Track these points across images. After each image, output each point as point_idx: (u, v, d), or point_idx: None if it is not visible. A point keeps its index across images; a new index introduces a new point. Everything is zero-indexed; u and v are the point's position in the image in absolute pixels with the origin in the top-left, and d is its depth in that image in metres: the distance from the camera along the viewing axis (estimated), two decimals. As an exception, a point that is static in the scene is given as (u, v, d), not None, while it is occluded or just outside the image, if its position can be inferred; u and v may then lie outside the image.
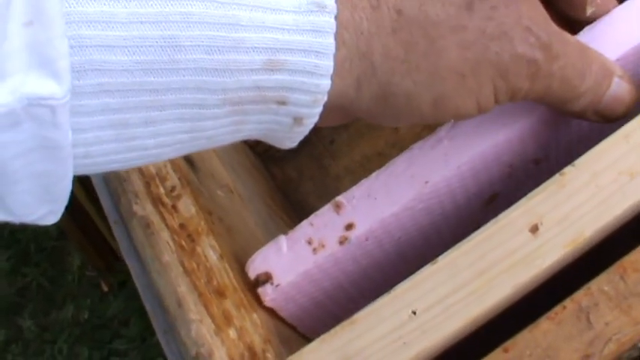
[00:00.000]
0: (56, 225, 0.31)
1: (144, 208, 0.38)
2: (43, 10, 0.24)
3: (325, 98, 0.30)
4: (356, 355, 0.32)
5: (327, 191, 0.67)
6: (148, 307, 0.39)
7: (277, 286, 0.36)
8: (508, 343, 0.31)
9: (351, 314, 0.33)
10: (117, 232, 0.41)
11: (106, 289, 1.39)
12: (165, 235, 0.37)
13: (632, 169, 0.32)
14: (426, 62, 0.31)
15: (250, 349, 0.35)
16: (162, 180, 0.39)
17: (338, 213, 0.36)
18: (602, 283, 0.31)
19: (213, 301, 0.36)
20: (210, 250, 0.37)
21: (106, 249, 1.32)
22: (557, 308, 0.31)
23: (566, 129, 0.37)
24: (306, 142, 0.33)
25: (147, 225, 0.38)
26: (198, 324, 0.35)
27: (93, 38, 0.26)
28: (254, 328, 0.36)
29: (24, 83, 0.24)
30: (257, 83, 0.29)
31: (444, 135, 0.36)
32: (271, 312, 0.37)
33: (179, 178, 0.40)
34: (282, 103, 0.30)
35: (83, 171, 0.29)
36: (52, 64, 0.25)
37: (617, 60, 0.35)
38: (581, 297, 0.31)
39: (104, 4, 0.26)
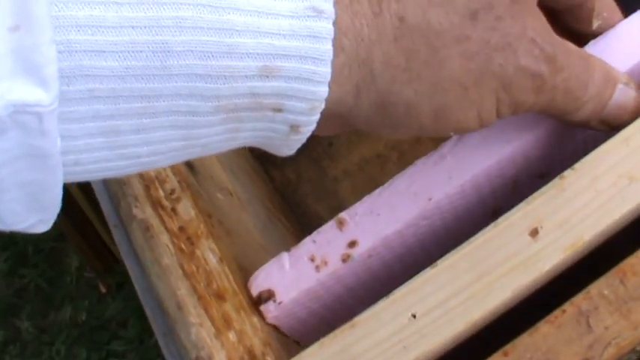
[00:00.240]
0: (54, 226, 0.31)
1: (143, 211, 0.38)
2: (30, 15, 0.23)
3: (322, 106, 0.30)
4: (356, 359, 0.32)
5: (325, 193, 0.67)
6: (147, 310, 0.39)
7: (280, 303, 0.36)
8: (508, 347, 0.31)
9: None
10: (117, 235, 0.41)
11: (104, 290, 1.38)
12: (164, 238, 0.37)
13: (632, 173, 0.32)
14: (427, 72, 0.30)
15: (250, 353, 0.35)
16: (162, 183, 0.39)
17: (341, 230, 0.36)
18: (601, 287, 0.31)
19: (213, 305, 0.36)
20: (209, 254, 0.37)
21: (104, 250, 1.32)
22: (557, 312, 0.31)
23: (571, 142, 0.37)
24: (304, 144, 0.33)
25: (146, 228, 0.38)
26: (198, 327, 0.35)
27: (82, 43, 0.25)
28: (254, 331, 0.36)
29: (9, 90, 0.23)
30: (252, 90, 0.28)
31: (447, 151, 0.36)
32: (274, 328, 0.37)
33: (178, 181, 0.40)
34: (278, 110, 0.29)
35: (74, 179, 0.29)
36: (39, 70, 0.24)
37: None
38: (580, 301, 0.31)
39: (94, 8, 0.25)
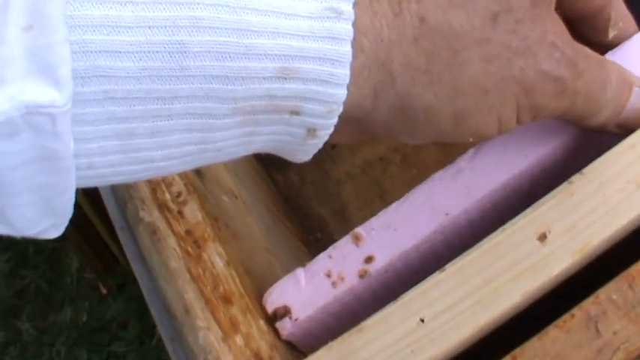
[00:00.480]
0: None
1: (150, 214, 0.38)
2: (43, 14, 0.23)
3: (341, 109, 0.29)
4: (363, 363, 0.32)
5: (328, 196, 0.67)
6: (154, 313, 0.39)
7: (296, 320, 0.36)
8: (517, 351, 0.31)
9: None
10: (123, 238, 0.41)
11: (104, 291, 1.38)
12: (171, 241, 0.37)
13: (639, 178, 0.33)
14: (448, 74, 0.30)
15: (257, 356, 0.35)
16: (168, 186, 0.39)
17: (357, 245, 0.36)
18: (610, 292, 0.31)
19: (220, 308, 0.35)
20: (216, 257, 0.37)
21: (105, 251, 1.32)
22: (566, 316, 0.31)
23: (586, 154, 0.37)
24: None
25: (153, 231, 0.38)
26: (206, 331, 0.35)
27: (98, 43, 0.25)
28: (260, 334, 0.36)
29: (22, 90, 0.23)
30: (269, 92, 0.28)
31: (465, 165, 0.36)
32: (288, 344, 0.37)
33: (185, 185, 0.40)
34: (296, 113, 0.29)
35: (87, 183, 0.28)
36: (53, 70, 0.23)
37: None
38: (589, 305, 0.31)
39: (110, 8, 0.25)
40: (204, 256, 0.37)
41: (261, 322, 0.36)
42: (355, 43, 0.28)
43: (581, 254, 0.32)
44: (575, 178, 0.33)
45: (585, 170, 0.33)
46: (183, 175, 0.40)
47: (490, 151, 0.35)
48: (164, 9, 0.25)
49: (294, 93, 0.28)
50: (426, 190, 0.36)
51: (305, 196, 0.67)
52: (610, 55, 0.35)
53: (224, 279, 0.37)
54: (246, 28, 0.27)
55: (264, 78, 0.27)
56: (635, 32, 0.36)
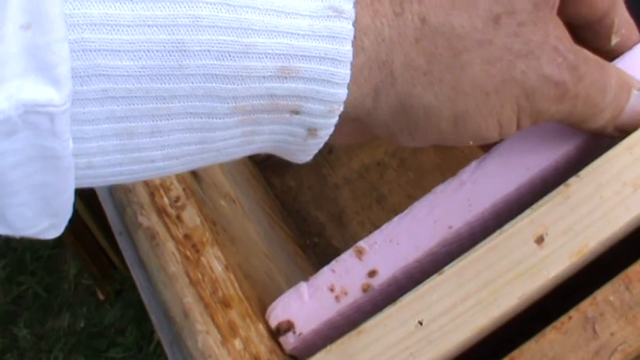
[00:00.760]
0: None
1: (149, 219, 0.38)
2: (42, 12, 0.23)
3: (341, 108, 0.29)
4: (363, 366, 0.32)
5: (325, 200, 0.67)
6: (153, 317, 0.39)
7: (299, 335, 0.36)
8: (514, 353, 0.31)
9: None
10: (122, 243, 0.41)
11: (102, 297, 1.38)
12: (170, 245, 0.37)
13: (636, 181, 0.33)
14: (449, 75, 0.29)
15: (256, 360, 0.35)
16: (167, 191, 0.39)
17: (360, 259, 0.36)
18: (607, 293, 0.31)
19: (219, 312, 0.36)
20: (215, 261, 0.37)
21: (102, 257, 1.32)
22: (563, 318, 0.31)
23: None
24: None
25: (152, 236, 0.38)
26: (205, 335, 0.35)
27: (97, 42, 0.24)
28: (259, 338, 0.36)
29: (21, 89, 0.23)
30: (269, 91, 0.28)
31: (467, 178, 0.36)
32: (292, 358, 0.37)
33: (183, 189, 0.40)
34: (296, 112, 0.28)
35: (86, 183, 0.28)
36: (51, 69, 0.23)
37: None
38: (586, 307, 0.31)
39: (109, 7, 0.24)
40: (203, 260, 0.37)
41: (260, 326, 0.36)
42: (356, 43, 0.28)
43: (578, 256, 0.32)
44: (572, 181, 0.33)
45: (582, 173, 0.33)
46: (181, 180, 0.40)
47: (492, 164, 0.35)
48: (164, 7, 0.25)
49: (294, 92, 0.28)
50: (428, 204, 0.36)
51: (302, 201, 0.67)
52: (614, 64, 0.35)
53: (223, 283, 0.37)
54: (246, 27, 0.26)
55: (264, 77, 0.27)
56: (638, 39, 0.35)
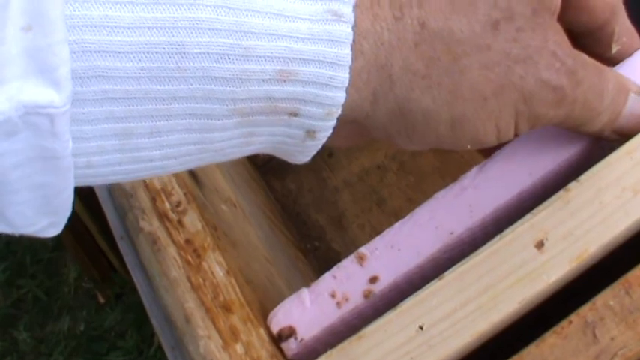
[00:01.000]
0: (52, 236, 0.30)
1: (150, 224, 0.38)
2: (43, 14, 0.23)
3: (340, 111, 0.29)
4: (364, 370, 0.33)
5: (325, 204, 0.67)
6: (154, 322, 0.39)
7: (301, 340, 0.36)
8: (514, 358, 0.32)
9: None
10: (123, 247, 0.41)
11: (102, 300, 1.38)
12: (171, 250, 0.37)
13: (636, 186, 0.33)
14: (447, 79, 0.30)
15: (257, 364, 0.35)
16: (168, 195, 0.40)
17: (361, 265, 0.36)
18: (607, 298, 0.32)
19: (220, 317, 0.36)
20: (216, 266, 0.37)
21: (103, 260, 1.32)
22: (564, 323, 0.31)
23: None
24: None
25: (153, 241, 0.38)
26: (206, 340, 0.35)
27: (97, 43, 0.25)
28: (261, 342, 0.36)
29: (21, 90, 0.23)
30: (268, 94, 0.28)
31: (469, 184, 0.36)
32: None
33: (184, 194, 0.40)
34: (294, 115, 0.29)
35: (86, 182, 0.28)
36: (52, 71, 0.24)
37: None
38: (586, 311, 0.32)
39: (109, 8, 0.25)
40: (204, 265, 0.37)
41: (261, 331, 0.36)
42: (355, 46, 0.28)
43: (578, 261, 0.32)
44: (572, 186, 0.33)
45: (582, 178, 0.33)
46: (182, 185, 0.40)
47: (493, 170, 0.35)
48: (164, 10, 0.25)
49: (293, 95, 0.28)
50: (429, 209, 0.36)
51: (302, 204, 0.67)
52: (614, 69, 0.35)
53: (224, 288, 0.37)
54: (246, 30, 0.27)
55: (263, 80, 0.27)
56: (639, 47, 0.35)
